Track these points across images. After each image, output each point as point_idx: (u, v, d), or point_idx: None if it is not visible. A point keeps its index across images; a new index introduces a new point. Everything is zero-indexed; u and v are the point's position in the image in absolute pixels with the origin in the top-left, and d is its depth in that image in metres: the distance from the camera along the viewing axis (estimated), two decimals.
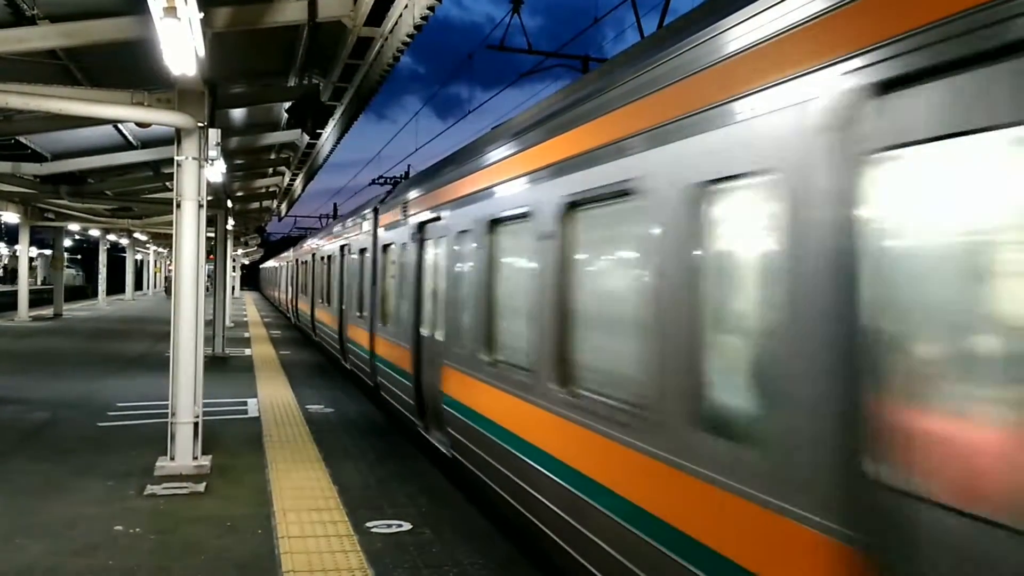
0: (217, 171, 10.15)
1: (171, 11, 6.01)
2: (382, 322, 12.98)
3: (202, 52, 7.23)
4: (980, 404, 2.65)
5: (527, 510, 6.32)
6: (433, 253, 9.95)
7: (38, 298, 38.94)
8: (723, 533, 3.75)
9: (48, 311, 34.51)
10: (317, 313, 23.33)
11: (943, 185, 2.77)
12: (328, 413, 12.58)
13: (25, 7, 8.32)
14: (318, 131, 14.76)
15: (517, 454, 6.51)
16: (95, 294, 45.91)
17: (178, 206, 8.84)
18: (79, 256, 71.85)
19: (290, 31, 9.85)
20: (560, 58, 14.68)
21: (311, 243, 28.15)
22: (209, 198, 9.38)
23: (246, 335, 27.05)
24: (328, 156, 18.87)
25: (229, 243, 26.18)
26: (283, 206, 34.38)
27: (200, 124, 8.86)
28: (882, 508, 2.84)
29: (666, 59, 4.45)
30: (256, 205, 31.94)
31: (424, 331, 10.20)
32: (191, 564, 6.15)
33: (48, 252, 54.99)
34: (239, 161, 20.00)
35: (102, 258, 43.70)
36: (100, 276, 44.04)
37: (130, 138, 16.35)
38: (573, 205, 5.65)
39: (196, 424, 8.84)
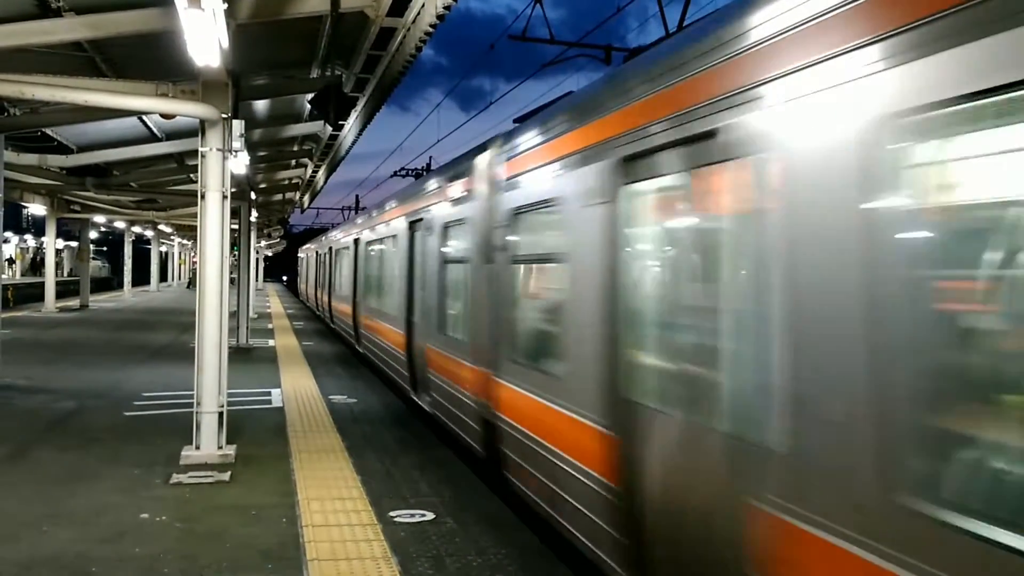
0: (241, 162, 10.20)
1: (195, 2, 6.04)
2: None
3: (226, 43, 7.26)
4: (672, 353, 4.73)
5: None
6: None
7: (64, 289, 39.37)
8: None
9: (74, 302, 34.89)
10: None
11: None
12: (351, 403, 12.63)
13: None
14: (340, 122, 14.77)
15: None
16: (120, 286, 46.35)
17: (202, 197, 8.86)
18: (104, 248, 72.54)
19: (312, 22, 9.86)
20: (583, 48, 14.57)
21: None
22: (233, 190, 9.42)
23: (269, 326, 27.22)
24: (350, 147, 18.91)
25: (252, 235, 26.31)
26: (306, 198, 34.56)
27: (224, 115, 8.87)
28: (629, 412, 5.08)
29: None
30: (279, 197, 32.13)
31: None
32: (216, 552, 6.20)
33: (74, 244, 55.57)
34: (262, 153, 20.12)
35: (127, 250, 44.10)
36: (125, 268, 44.46)
37: (154, 130, 16.48)
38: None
39: (221, 414, 8.90)
